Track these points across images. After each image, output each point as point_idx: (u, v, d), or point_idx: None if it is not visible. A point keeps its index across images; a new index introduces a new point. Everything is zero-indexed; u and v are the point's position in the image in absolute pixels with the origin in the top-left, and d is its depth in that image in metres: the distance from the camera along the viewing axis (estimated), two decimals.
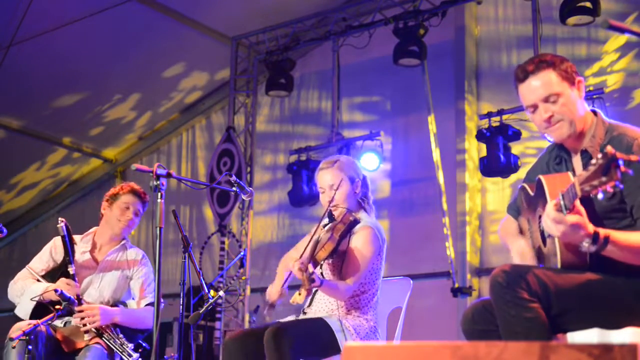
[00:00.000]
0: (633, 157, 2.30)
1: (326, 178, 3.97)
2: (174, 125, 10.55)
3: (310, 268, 3.55)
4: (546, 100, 2.84)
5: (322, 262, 3.73)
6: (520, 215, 3.18)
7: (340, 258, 3.83)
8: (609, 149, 2.33)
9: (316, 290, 3.95)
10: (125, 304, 4.49)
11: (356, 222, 3.83)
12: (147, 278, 4.53)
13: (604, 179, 2.33)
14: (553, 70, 2.85)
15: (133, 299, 4.53)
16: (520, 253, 3.03)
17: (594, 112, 2.94)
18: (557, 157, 3.01)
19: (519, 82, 2.91)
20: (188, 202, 10.25)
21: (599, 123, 2.90)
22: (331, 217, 3.90)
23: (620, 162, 2.29)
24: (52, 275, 4.32)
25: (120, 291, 4.48)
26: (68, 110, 9.64)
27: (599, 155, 2.35)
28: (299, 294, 3.56)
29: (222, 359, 3.78)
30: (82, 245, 4.50)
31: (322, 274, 3.87)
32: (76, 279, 4.21)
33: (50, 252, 4.45)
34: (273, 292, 3.83)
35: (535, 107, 2.88)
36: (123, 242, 4.57)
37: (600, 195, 2.37)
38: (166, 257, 9.52)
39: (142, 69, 9.36)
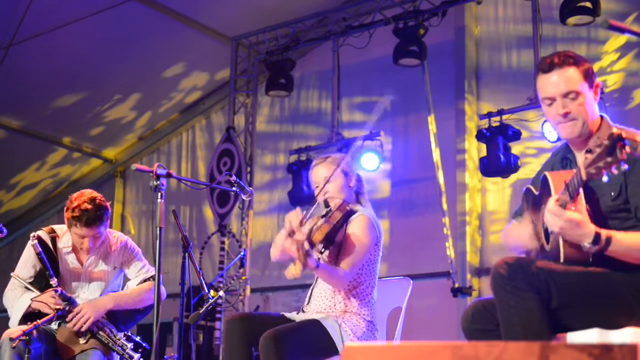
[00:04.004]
0: (639, 137, 2.33)
1: (320, 172, 3.99)
2: (174, 125, 10.55)
3: (306, 245, 3.54)
4: (565, 95, 2.86)
5: (317, 245, 3.70)
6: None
7: (337, 248, 3.83)
8: (616, 130, 2.35)
9: (313, 288, 3.95)
10: None
11: (352, 212, 3.83)
12: (138, 260, 4.44)
13: (609, 159, 2.36)
14: (577, 68, 2.87)
15: (129, 279, 4.47)
16: (519, 234, 3.06)
17: (601, 116, 2.97)
18: (563, 159, 3.03)
19: (542, 73, 2.91)
20: (188, 202, 10.24)
21: (604, 125, 2.92)
22: (328, 207, 3.90)
23: (626, 142, 2.32)
24: (39, 280, 4.23)
25: (112, 286, 4.41)
26: (68, 110, 9.64)
27: (605, 137, 2.37)
28: (294, 265, 3.56)
29: (223, 337, 3.77)
30: (64, 240, 4.34)
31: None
32: (59, 289, 4.09)
33: (33, 258, 4.27)
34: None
35: (552, 100, 2.89)
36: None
37: (605, 178, 2.39)
38: (166, 257, 9.51)
39: (142, 69, 9.36)
